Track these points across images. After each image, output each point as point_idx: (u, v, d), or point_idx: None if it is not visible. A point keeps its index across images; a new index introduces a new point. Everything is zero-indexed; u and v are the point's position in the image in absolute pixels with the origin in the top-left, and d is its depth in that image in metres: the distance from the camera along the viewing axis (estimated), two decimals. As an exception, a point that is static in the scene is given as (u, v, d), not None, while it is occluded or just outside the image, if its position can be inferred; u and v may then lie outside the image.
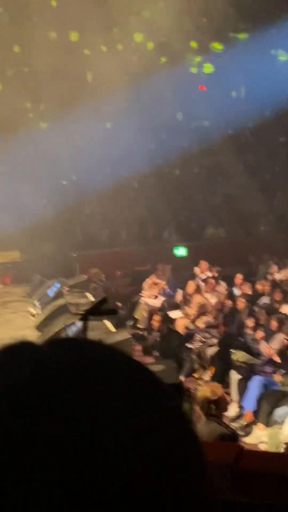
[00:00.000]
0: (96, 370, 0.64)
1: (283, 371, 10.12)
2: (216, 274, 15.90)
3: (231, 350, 10.92)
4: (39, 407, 0.60)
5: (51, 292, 13.63)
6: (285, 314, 12.09)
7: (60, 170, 19.64)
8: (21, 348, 0.66)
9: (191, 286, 14.13)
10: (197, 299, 13.39)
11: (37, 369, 0.63)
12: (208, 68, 20.89)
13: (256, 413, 9.52)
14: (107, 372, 0.65)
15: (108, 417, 0.61)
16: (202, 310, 13.04)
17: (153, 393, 0.66)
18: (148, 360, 11.32)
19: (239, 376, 10.29)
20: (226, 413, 7.92)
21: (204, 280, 15.23)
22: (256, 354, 10.90)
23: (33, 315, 13.51)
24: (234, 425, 9.16)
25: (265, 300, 13.83)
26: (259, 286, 14.55)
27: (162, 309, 13.99)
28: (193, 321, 12.74)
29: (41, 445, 0.58)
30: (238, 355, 10.75)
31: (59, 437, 0.59)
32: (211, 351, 11.42)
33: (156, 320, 12.92)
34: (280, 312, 12.27)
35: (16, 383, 0.62)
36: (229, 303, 13.33)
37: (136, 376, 0.66)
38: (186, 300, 13.83)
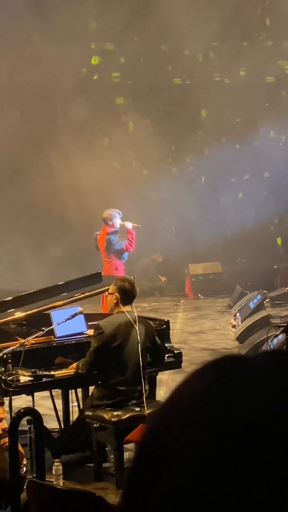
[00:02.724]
0: None
1: None
2: None
3: None
4: (257, 421, 0.57)
5: (252, 304, 13.50)
6: None
7: (261, 181, 19.49)
8: (234, 361, 0.64)
9: None
10: None
11: (251, 383, 0.60)
12: None
13: None
14: None
15: None
16: None
17: None
18: None
19: None
20: None
21: None
22: None
23: (233, 326, 13.48)
24: None
25: None
26: None
27: None
28: None
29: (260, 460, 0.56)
30: None
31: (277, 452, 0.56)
32: None
33: None
34: None
35: (232, 396, 0.59)
36: None
37: None
38: None
